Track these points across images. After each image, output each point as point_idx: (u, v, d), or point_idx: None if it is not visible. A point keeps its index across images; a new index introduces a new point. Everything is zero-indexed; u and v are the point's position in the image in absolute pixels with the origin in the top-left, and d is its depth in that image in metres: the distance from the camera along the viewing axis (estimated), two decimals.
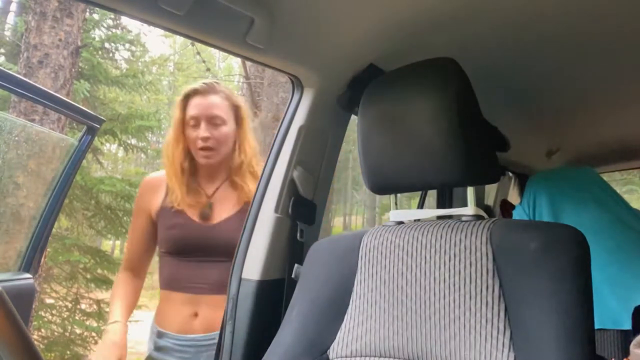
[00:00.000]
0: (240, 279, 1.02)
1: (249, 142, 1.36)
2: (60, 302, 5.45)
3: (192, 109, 1.29)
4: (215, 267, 1.27)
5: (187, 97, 1.31)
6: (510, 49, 1.12)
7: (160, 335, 1.31)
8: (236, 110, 1.34)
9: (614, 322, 1.30)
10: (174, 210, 1.30)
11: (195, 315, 1.27)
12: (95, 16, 6.20)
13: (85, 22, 5.03)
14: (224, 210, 1.32)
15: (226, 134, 1.30)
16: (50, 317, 5.26)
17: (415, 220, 0.86)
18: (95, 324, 5.27)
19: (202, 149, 1.28)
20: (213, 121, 1.29)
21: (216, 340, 1.06)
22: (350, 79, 1.06)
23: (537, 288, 0.65)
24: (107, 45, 6.35)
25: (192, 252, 1.28)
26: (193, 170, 1.35)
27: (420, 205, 2.03)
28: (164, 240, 1.31)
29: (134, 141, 6.08)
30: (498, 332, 0.66)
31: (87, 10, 4.84)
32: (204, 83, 1.34)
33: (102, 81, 5.63)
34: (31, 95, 1.48)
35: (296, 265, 1.04)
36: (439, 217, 0.91)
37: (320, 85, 1.04)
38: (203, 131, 1.27)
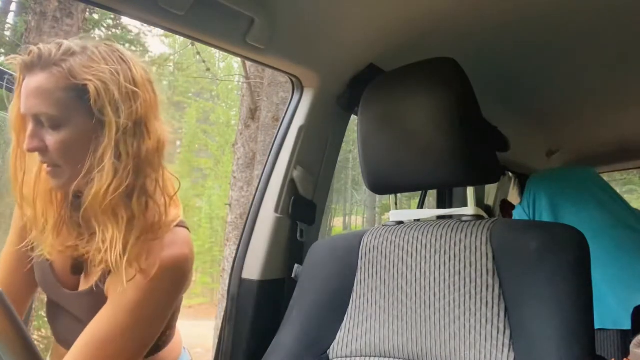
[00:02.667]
0: (240, 279, 1.02)
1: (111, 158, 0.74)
2: None
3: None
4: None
5: (20, 77, 0.76)
6: (510, 49, 1.12)
7: None
8: (83, 92, 0.73)
9: (614, 322, 1.30)
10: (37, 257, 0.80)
11: None
12: (95, 16, 6.21)
13: (85, 22, 5.03)
14: (97, 270, 0.80)
15: (63, 142, 0.74)
16: None
17: (415, 220, 0.86)
18: None
19: (43, 164, 0.77)
20: (40, 121, 0.74)
21: None
22: (350, 79, 1.06)
23: (537, 288, 0.65)
24: None
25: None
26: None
27: (420, 205, 2.02)
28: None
29: None
30: (498, 332, 0.66)
31: (87, 10, 4.84)
32: (37, 47, 0.73)
33: None
34: None
35: (296, 265, 1.04)
36: (439, 217, 0.91)
37: (320, 85, 1.04)
38: (27, 140, 0.74)
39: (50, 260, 0.81)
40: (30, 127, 0.74)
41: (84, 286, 0.82)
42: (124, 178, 0.74)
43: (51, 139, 0.74)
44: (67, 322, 0.84)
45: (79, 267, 0.81)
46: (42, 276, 0.83)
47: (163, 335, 0.87)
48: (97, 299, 0.79)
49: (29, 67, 0.74)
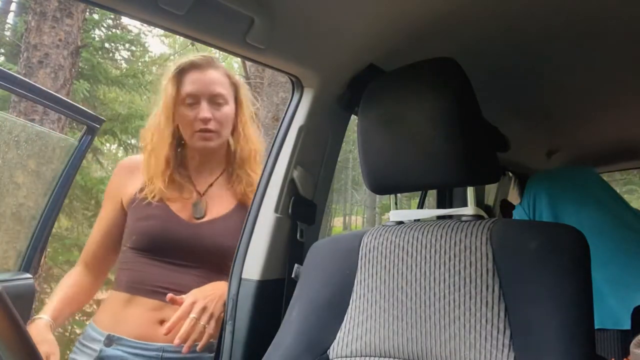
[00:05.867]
0: (240, 279, 1.02)
1: (251, 128, 1.20)
2: None
3: (190, 85, 1.11)
4: (194, 273, 1.08)
5: (183, 72, 1.13)
6: (510, 49, 1.12)
7: (110, 341, 1.05)
8: (235, 89, 1.18)
9: (614, 322, 1.30)
10: (151, 201, 1.11)
11: (162, 322, 1.05)
12: (95, 16, 6.21)
13: (85, 22, 5.03)
14: (217, 207, 1.15)
15: (227, 115, 1.14)
16: None
17: (415, 220, 0.86)
18: None
19: (202, 131, 1.10)
20: (215, 100, 1.12)
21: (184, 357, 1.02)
22: (350, 79, 1.06)
23: (537, 288, 0.65)
24: (107, 45, 6.35)
25: (167, 252, 1.08)
26: (181, 160, 1.17)
27: (420, 205, 2.03)
28: (133, 232, 1.11)
29: (134, 141, 6.09)
30: (498, 332, 0.66)
31: (87, 10, 4.84)
32: (201, 55, 1.15)
33: (102, 81, 5.63)
34: (31, 95, 1.48)
35: (296, 265, 1.04)
36: (439, 217, 0.91)
37: (320, 85, 1.04)
38: (204, 111, 1.09)
39: (169, 207, 1.11)
40: (204, 104, 1.11)
41: (208, 217, 1.13)
42: (253, 142, 1.20)
43: (218, 113, 1.12)
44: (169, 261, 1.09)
45: (200, 209, 1.13)
46: (158, 222, 1.09)
47: None
48: (230, 221, 1.13)
49: (204, 66, 1.13)
